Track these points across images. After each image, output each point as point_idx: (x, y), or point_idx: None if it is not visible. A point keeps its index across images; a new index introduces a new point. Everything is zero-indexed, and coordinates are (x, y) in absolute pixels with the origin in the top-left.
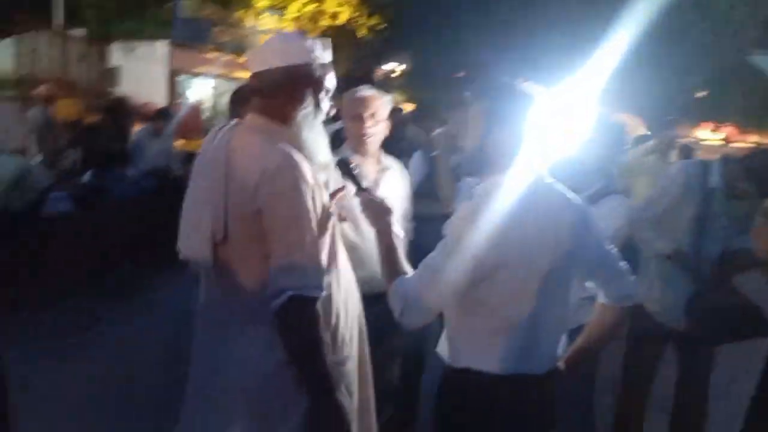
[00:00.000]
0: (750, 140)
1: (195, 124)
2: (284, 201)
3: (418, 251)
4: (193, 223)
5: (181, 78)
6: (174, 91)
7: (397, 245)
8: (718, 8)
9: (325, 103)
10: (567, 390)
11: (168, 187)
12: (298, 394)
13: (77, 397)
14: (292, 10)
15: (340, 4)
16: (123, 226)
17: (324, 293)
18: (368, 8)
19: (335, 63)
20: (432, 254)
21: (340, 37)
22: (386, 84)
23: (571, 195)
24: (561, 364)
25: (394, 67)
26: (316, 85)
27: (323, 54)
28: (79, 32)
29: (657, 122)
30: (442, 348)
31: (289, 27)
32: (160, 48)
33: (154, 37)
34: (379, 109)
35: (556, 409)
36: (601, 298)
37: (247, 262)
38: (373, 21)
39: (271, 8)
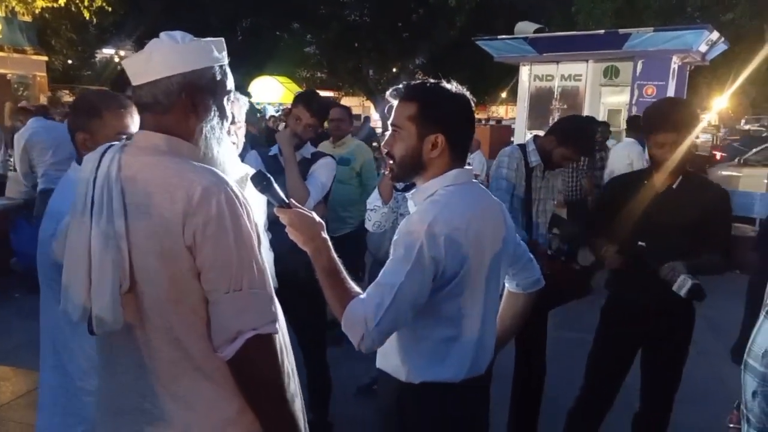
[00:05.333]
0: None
1: None
2: (222, 230)
3: None
4: (88, 275)
5: None
6: None
7: (338, 263)
8: None
9: (229, 111)
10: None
11: None
12: None
13: None
14: None
15: None
16: None
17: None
18: None
19: (55, 49)
20: (385, 271)
21: (60, 20)
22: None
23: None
24: None
25: (114, 53)
26: (220, 91)
27: (221, 55)
28: None
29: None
30: (387, 364)
31: None
32: None
33: None
34: None
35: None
36: (513, 288)
37: (171, 310)
38: (98, 3)
39: None
